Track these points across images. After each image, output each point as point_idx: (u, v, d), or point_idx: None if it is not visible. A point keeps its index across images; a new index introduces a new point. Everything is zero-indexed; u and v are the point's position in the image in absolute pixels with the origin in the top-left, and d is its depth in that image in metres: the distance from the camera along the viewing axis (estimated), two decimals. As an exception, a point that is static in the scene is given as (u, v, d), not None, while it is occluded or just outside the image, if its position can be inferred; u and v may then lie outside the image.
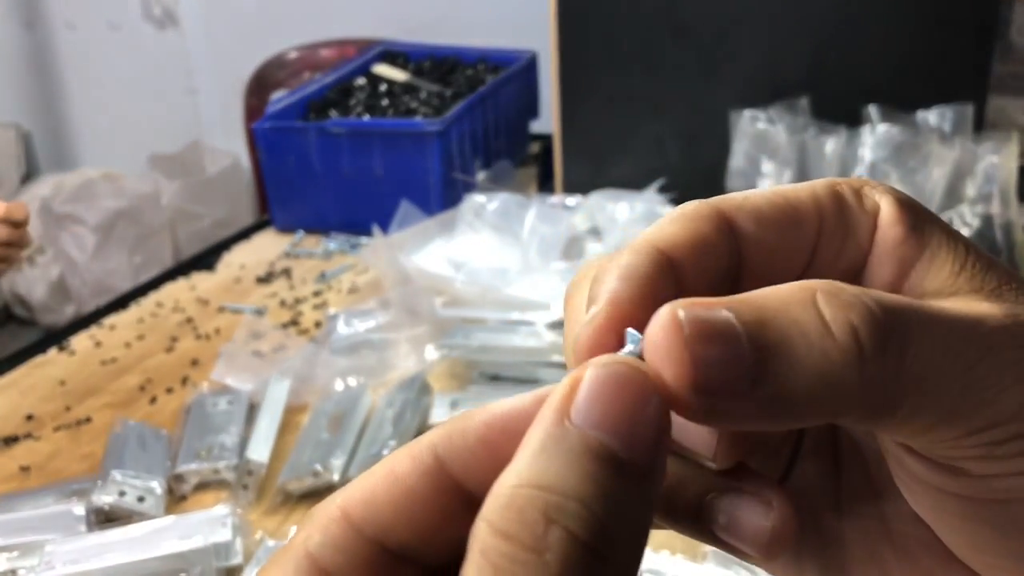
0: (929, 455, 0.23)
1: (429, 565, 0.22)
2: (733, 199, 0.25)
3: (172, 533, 0.82)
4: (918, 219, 0.25)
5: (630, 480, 0.20)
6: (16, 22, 2.93)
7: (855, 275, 0.25)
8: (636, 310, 0.23)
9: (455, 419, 0.22)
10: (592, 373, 0.21)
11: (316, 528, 0.22)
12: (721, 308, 0.21)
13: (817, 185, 0.25)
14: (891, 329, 0.21)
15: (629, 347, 0.22)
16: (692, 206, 0.25)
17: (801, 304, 0.21)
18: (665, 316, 0.21)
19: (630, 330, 0.22)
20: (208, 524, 0.83)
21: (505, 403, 0.22)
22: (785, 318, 0.21)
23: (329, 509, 0.22)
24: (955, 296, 0.24)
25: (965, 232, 1.13)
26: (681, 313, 0.21)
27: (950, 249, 0.24)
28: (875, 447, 0.27)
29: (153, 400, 1.09)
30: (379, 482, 0.22)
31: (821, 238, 0.25)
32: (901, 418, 0.22)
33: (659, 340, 0.21)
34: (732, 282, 0.25)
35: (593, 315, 0.23)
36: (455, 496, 0.22)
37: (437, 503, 0.22)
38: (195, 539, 0.81)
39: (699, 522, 0.24)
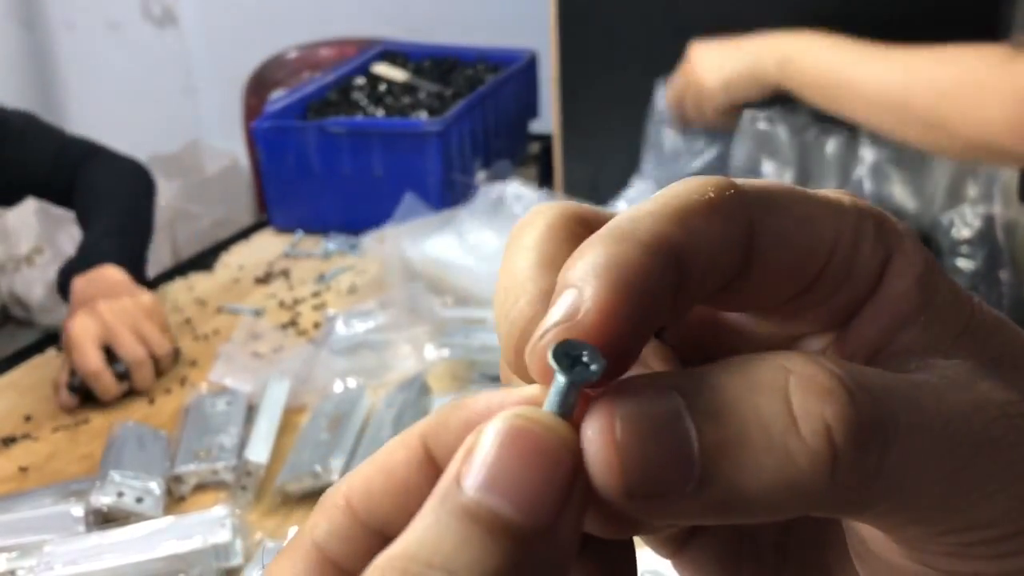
0: (894, 542, 0.21)
1: None
2: (764, 194, 0.21)
3: (171, 534, 0.81)
4: (926, 271, 0.22)
5: (520, 545, 0.18)
6: (15, 22, 2.93)
7: (846, 317, 0.22)
8: (628, 327, 0.19)
9: (442, 410, 0.21)
10: (489, 430, 0.19)
11: (323, 516, 0.21)
12: (673, 392, 0.19)
13: (843, 204, 0.22)
14: (875, 426, 0.18)
15: (576, 371, 0.19)
16: (726, 197, 0.20)
17: (768, 389, 0.18)
18: (597, 415, 0.19)
19: (589, 350, 0.19)
20: (207, 525, 0.82)
21: (483, 401, 0.21)
22: (746, 406, 0.18)
23: (335, 498, 0.21)
24: (949, 364, 0.21)
25: (966, 233, 1.13)
26: (615, 409, 0.19)
27: (954, 309, 0.22)
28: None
29: (152, 401, 1.09)
30: (375, 473, 0.21)
31: (824, 274, 0.22)
32: (872, 516, 0.20)
33: (586, 438, 0.19)
34: (739, 279, 0.21)
35: (565, 323, 0.19)
36: None
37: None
38: (194, 540, 0.81)
39: None
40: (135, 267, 1.23)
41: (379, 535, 0.21)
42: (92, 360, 1.07)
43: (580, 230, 0.22)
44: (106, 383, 1.07)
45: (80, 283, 1.17)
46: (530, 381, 0.21)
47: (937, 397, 0.20)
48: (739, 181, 0.21)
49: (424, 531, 0.18)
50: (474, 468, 0.18)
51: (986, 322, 0.22)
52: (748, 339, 0.24)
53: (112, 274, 1.18)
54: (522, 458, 0.18)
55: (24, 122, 1.42)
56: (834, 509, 0.19)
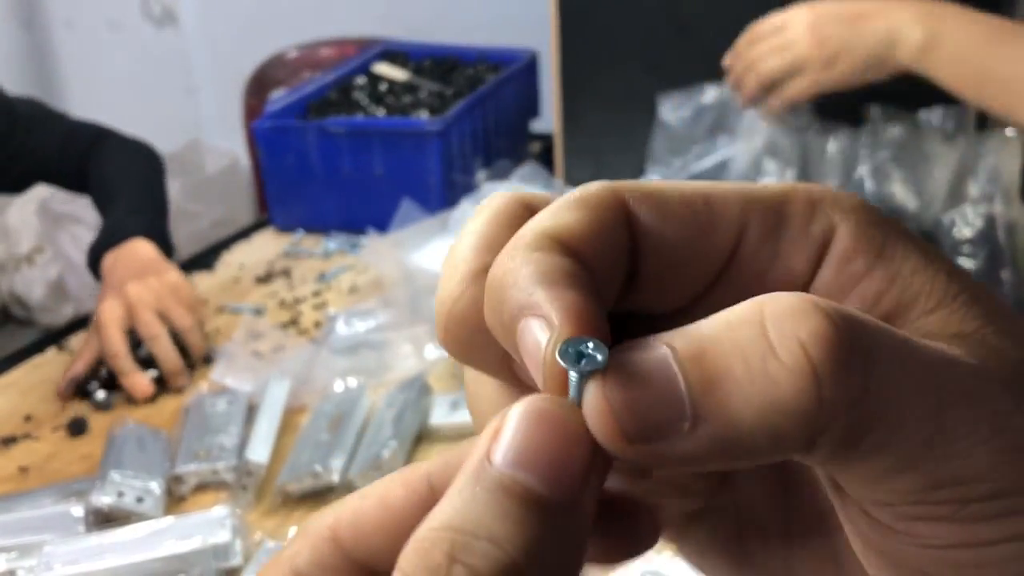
0: (884, 519, 0.21)
1: None
2: (639, 187, 0.22)
3: (171, 534, 0.81)
4: (886, 242, 0.22)
5: (549, 517, 0.19)
6: (14, 21, 2.93)
7: None
8: (595, 321, 0.20)
9: (453, 449, 0.22)
10: (515, 412, 0.20)
11: (306, 545, 0.22)
12: (657, 343, 0.20)
13: (763, 194, 0.22)
14: (852, 344, 0.19)
15: (584, 363, 0.20)
16: (593, 190, 0.22)
17: (744, 323, 0.19)
18: (592, 382, 0.20)
19: (592, 342, 0.20)
20: (207, 525, 0.82)
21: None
22: (725, 342, 0.19)
23: (320, 527, 0.22)
24: (927, 340, 0.21)
25: (967, 233, 1.12)
26: (606, 372, 0.20)
27: (925, 280, 0.21)
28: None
29: (152, 401, 1.09)
30: (370, 508, 0.21)
31: (736, 256, 0.22)
32: (864, 452, 0.19)
33: (585, 404, 0.20)
34: (628, 279, 0.22)
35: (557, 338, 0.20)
36: None
37: None
38: (194, 540, 0.81)
39: None
40: (163, 241, 1.24)
41: (363, 568, 0.21)
42: (114, 342, 1.09)
43: (524, 212, 0.23)
44: (124, 365, 1.08)
45: (110, 260, 1.19)
46: (460, 358, 0.23)
47: (914, 340, 0.20)
48: (619, 182, 0.23)
49: (463, 504, 0.19)
50: (503, 446, 0.19)
51: (965, 291, 0.22)
52: None
53: (142, 248, 1.19)
54: (547, 437, 0.19)
55: (31, 108, 1.42)
56: (830, 439, 0.19)
